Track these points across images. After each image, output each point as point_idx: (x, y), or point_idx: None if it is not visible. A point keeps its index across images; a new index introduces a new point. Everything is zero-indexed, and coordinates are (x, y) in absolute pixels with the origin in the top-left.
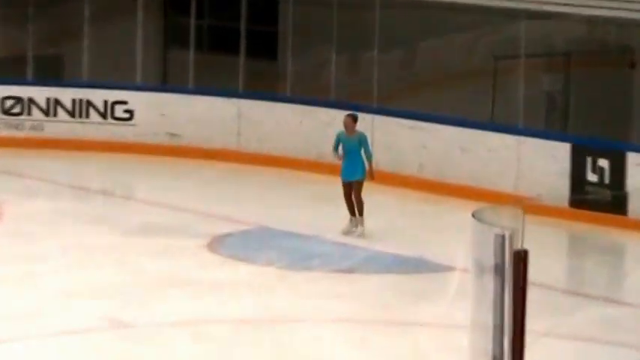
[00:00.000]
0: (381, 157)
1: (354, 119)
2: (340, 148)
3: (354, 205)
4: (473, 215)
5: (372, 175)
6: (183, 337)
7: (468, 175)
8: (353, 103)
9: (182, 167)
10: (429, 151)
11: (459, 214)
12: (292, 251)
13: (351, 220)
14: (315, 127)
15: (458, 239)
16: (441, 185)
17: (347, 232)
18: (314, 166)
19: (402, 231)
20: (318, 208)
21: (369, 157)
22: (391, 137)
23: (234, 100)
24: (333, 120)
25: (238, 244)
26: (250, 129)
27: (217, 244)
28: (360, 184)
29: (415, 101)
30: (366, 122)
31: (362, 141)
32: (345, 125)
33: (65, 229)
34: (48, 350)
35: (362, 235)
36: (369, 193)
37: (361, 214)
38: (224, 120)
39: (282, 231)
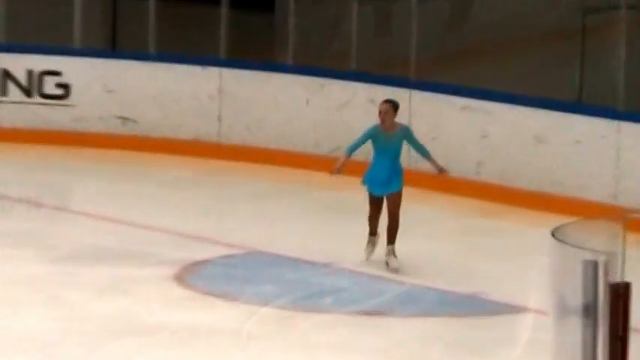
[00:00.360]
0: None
1: (395, 107)
2: (359, 149)
3: (389, 228)
4: (552, 234)
5: (442, 169)
6: None
7: (544, 177)
8: (381, 74)
9: (139, 166)
10: (490, 142)
11: (532, 232)
12: (296, 285)
13: (370, 241)
14: (328, 108)
15: (530, 268)
16: (506, 191)
17: (368, 257)
18: (325, 165)
19: (450, 257)
20: (332, 224)
21: (426, 152)
22: (436, 123)
23: (214, 71)
24: (351, 99)
25: (219, 275)
26: (236, 112)
27: (190, 275)
28: (400, 197)
29: (470, 73)
30: (401, 100)
31: (408, 136)
32: (383, 116)
33: None
34: None
35: (398, 270)
36: (404, 203)
37: (394, 239)
38: (199, 99)
39: (280, 256)
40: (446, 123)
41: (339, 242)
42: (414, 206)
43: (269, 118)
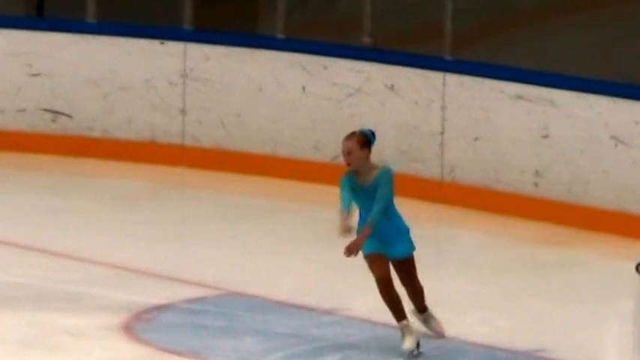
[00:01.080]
0: (461, 157)
1: (363, 141)
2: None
3: (414, 296)
4: (638, 268)
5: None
6: None
7: (624, 191)
8: (404, 49)
9: (74, 175)
10: (551, 143)
11: (610, 266)
12: (287, 339)
13: (404, 328)
14: (331, 98)
15: (608, 314)
16: (574, 210)
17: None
18: (326, 174)
19: (499, 300)
20: (334, 255)
21: (375, 212)
22: (480, 118)
23: (176, 47)
24: (364, 83)
25: (183, 326)
26: (206, 103)
27: (142, 326)
28: (414, 263)
29: (526, 48)
30: (432, 86)
31: (386, 181)
32: (346, 159)
33: None
34: None
35: (442, 334)
36: (437, 226)
37: (423, 302)
38: (155, 87)
39: (266, 300)
40: (493, 117)
41: (346, 280)
42: (450, 231)
43: (251, 112)
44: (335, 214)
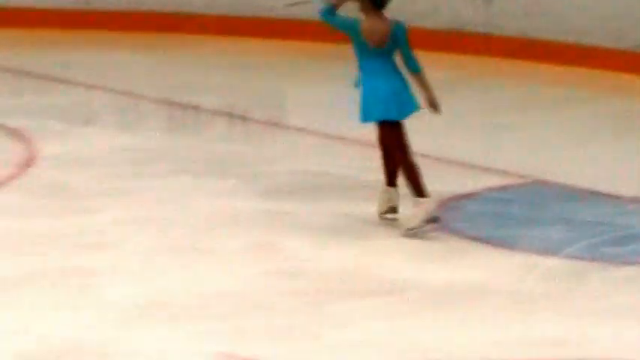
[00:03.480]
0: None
1: None
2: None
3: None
4: None
5: (434, 103)
6: None
7: None
8: None
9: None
10: None
11: None
12: (593, 227)
13: (385, 192)
14: None
15: None
16: None
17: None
18: (629, 63)
19: None
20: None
21: (415, 66)
22: None
23: None
24: None
25: (489, 215)
26: None
27: (451, 215)
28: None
29: None
30: None
31: (399, 36)
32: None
33: (146, 184)
34: None
35: (414, 231)
36: None
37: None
38: None
39: (570, 188)
40: None
41: None
42: None
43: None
44: None
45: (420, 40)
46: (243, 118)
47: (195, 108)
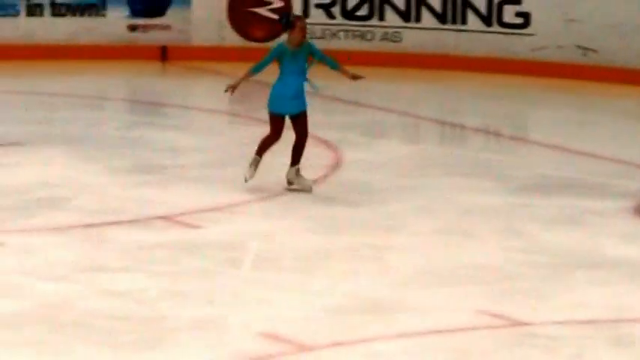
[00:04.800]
0: None
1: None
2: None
3: (297, 148)
4: None
5: (356, 76)
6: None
7: None
8: None
9: (597, 96)
10: None
11: None
12: None
13: (255, 161)
14: None
15: None
16: None
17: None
18: None
19: None
20: None
21: (333, 64)
22: None
23: None
24: None
25: None
26: None
27: None
28: (306, 117)
29: None
30: None
31: (313, 51)
32: (305, 32)
33: (425, 182)
34: (410, 352)
35: (311, 187)
36: None
37: (300, 160)
38: None
39: None
40: None
41: None
42: None
43: None
44: None
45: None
46: (497, 134)
47: (461, 126)
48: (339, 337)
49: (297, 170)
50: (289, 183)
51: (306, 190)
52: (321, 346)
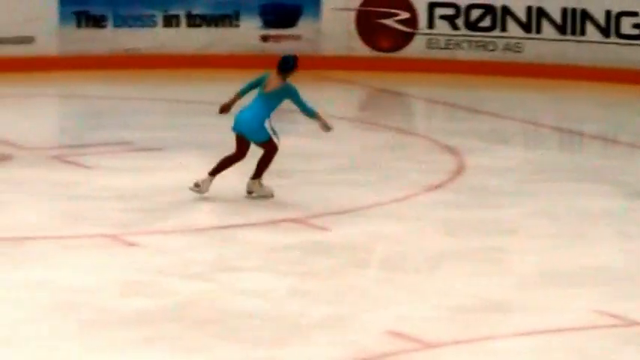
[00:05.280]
0: None
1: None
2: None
3: (263, 162)
4: None
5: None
6: None
7: None
8: None
9: None
10: None
11: None
12: None
13: (209, 180)
14: None
15: None
16: None
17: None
18: None
19: None
20: None
21: (311, 112)
22: None
23: None
24: None
25: None
26: None
27: None
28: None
29: None
30: None
31: (293, 95)
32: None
33: (544, 187)
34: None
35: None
36: None
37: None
38: None
39: None
40: None
41: None
42: None
43: None
44: None
45: None
46: (614, 141)
47: (580, 133)
48: (461, 336)
49: (259, 182)
50: (249, 192)
51: (268, 196)
52: (443, 344)
